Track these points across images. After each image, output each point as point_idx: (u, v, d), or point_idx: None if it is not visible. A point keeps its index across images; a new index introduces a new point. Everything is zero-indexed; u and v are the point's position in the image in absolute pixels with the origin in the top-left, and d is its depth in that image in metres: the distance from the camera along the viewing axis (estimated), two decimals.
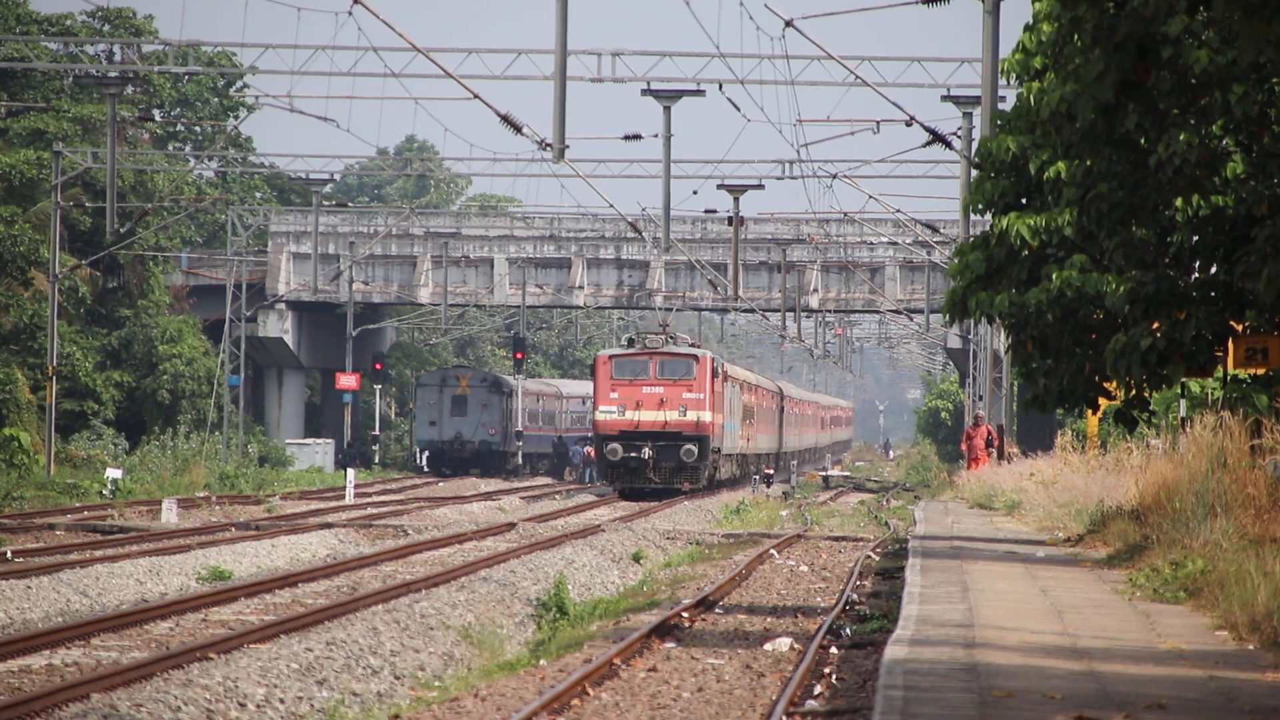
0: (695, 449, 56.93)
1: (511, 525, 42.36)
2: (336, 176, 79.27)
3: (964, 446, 57.79)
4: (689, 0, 36.83)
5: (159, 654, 20.35)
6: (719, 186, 60.21)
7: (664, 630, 22.55)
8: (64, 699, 17.34)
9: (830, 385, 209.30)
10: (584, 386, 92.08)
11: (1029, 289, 22.35)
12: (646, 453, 56.83)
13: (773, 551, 36.36)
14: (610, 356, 57.79)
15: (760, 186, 60.54)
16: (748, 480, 71.72)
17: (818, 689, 17.90)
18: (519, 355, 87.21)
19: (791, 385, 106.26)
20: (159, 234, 75.87)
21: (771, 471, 73.12)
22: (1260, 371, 23.61)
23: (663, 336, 58.90)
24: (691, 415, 57.05)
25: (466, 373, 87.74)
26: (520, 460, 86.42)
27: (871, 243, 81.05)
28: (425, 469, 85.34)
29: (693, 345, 59.47)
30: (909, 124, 35.59)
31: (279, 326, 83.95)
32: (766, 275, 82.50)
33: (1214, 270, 20.82)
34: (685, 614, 24.31)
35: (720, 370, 60.00)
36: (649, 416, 56.93)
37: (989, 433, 55.63)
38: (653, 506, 51.63)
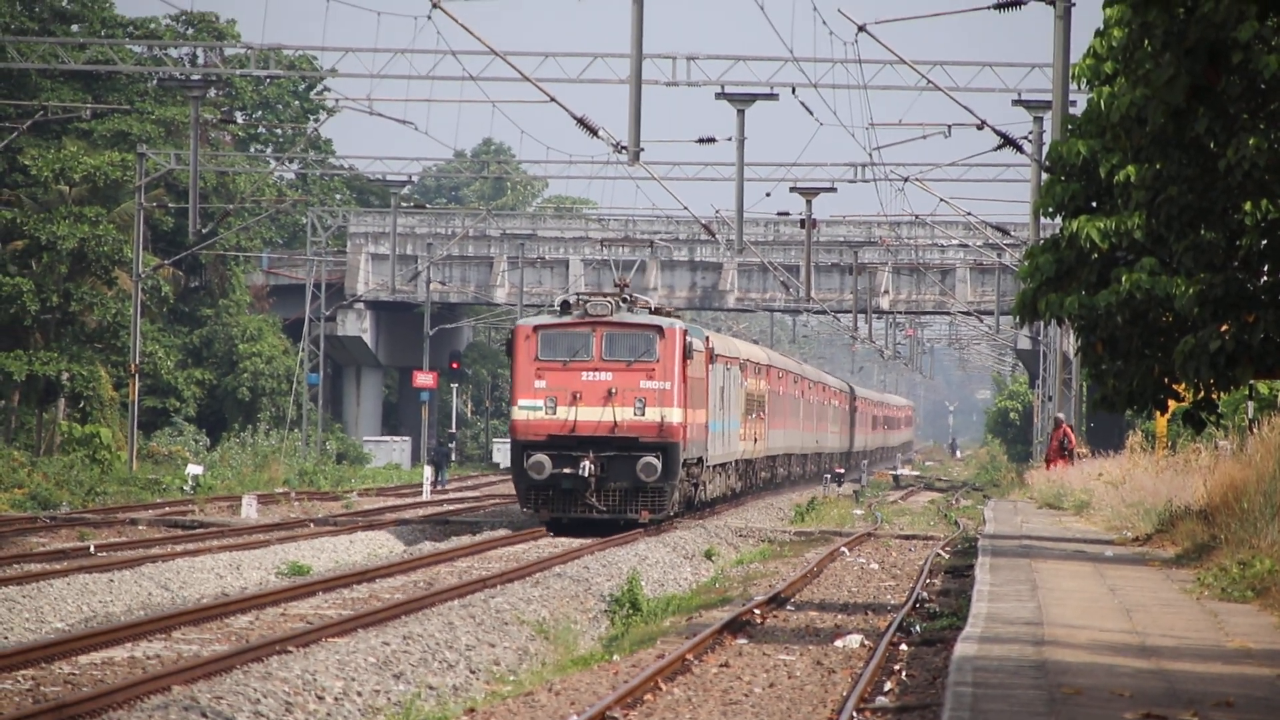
0: (658, 462, 39.30)
1: None
2: (415, 178, 79.86)
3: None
4: (763, 5, 37.01)
5: (239, 647, 20.69)
6: (792, 189, 60.42)
7: (736, 626, 22.79)
8: (146, 691, 17.62)
9: (900, 386, 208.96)
10: None
11: (1099, 291, 22.48)
12: (587, 467, 39.13)
13: (843, 549, 36.55)
14: (535, 328, 39.92)
15: (832, 189, 60.80)
16: (755, 493, 56.99)
17: (888, 685, 18.09)
18: None
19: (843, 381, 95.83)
20: (240, 235, 76.69)
21: (842, 470, 73.06)
22: None
23: (612, 299, 40.23)
24: (653, 413, 39.54)
25: None
26: None
27: (942, 245, 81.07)
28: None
29: (656, 311, 41.37)
30: (980, 128, 35.73)
31: (357, 326, 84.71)
32: (838, 277, 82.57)
33: None
34: (757, 610, 24.54)
35: (704, 348, 43.48)
36: (591, 415, 39.41)
37: (1064, 434, 55.44)
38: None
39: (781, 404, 61.39)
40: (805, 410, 69.54)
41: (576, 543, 37.14)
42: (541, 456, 39.12)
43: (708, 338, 44.75)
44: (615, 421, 39.45)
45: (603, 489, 39.49)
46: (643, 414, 39.56)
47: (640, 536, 38.34)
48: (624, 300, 40.37)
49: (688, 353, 40.29)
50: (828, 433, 77.89)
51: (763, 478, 58.85)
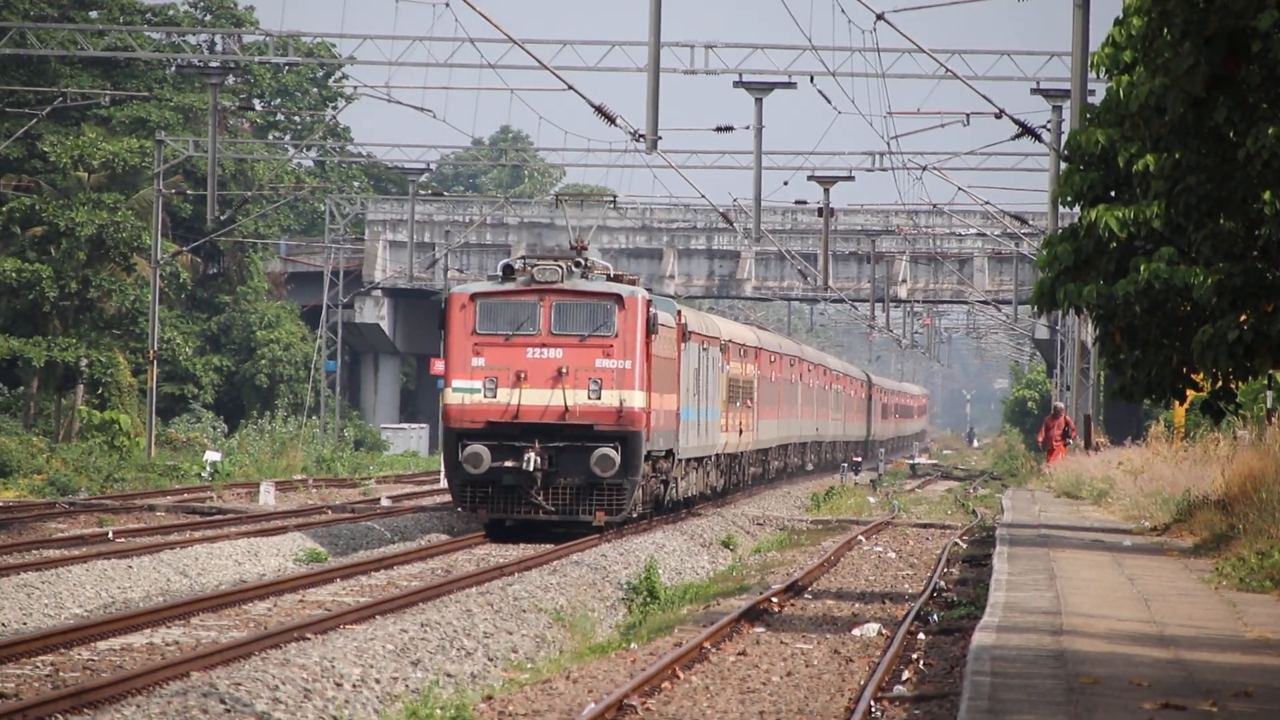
0: (616, 454, 33.85)
1: None
2: (433, 166, 79.90)
3: (1040, 438, 57.87)
4: None
5: (257, 633, 20.80)
6: (809, 178, 60.42)
7: (753, 615, 22.84)
8: (165, 677, 17.72)
9: (918, 375, 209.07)
10: None
11: (1117, 281, 22.49)
12: (533, 460, 33.69)
13: (861, 538, 36.58)
14: (473, 295, 34.35)
15: (850, 178, 60.75)
16: (744, 490, 50.43)
17: (905, 674, 18.14)
18: None
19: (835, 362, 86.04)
20: (258, 222, 76.82)
21: (860, 459, 73.00)
22: None
23: (563, 264, 34.52)
24: (611, 397, 33.97)
25: None
26: None
27: (960, 234, 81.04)
28: None
29: (616, 278, 35.55)
30: (998, 117, 35.68)
31: (375, 313, 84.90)
32: (856, 266, 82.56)
33: None
34: (774, 599, 24.59)
35: (674, 323, 37.63)
36: (537, 399, 33.94)
37: (1066, 423, 55.70)
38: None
39: (774, 390, 54.77)
40: (805, 396, 63.02)
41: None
42: (479, 447, 33.68)
43: (679, 311, 38.55)
44: (566, 406, 33.97)
45: (551, 485, 33.98)
46: (598, 398, 33.95)
47: (657, 525, 38.21)
48: (578, 264, 34.43)
49: (652, 327, 34.57)
50: (830, 420, 71.32)
51: (752, 473, 52.19)
